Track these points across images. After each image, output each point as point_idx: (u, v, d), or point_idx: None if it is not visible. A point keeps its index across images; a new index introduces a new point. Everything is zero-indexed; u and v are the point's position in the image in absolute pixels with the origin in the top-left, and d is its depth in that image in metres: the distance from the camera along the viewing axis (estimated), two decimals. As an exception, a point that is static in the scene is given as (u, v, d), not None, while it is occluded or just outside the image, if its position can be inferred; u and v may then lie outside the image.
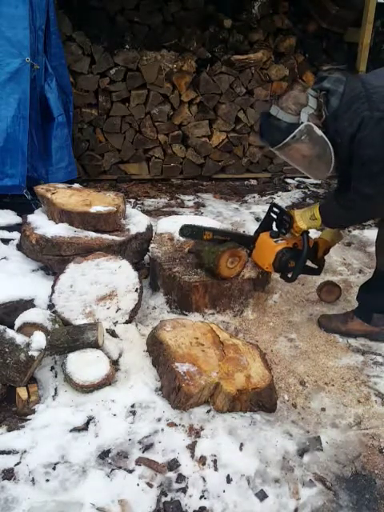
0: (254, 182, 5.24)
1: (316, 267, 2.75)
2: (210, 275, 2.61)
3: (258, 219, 4.09)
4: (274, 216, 2.61)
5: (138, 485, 1.67)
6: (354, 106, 2.04)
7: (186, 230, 2.58)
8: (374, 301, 2.52)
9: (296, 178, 5.27)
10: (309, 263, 2.67)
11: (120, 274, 2.45)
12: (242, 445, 1.85)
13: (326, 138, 2.12)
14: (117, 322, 2.41)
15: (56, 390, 2.03)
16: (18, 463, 1.72)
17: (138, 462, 1.75)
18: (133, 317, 2.47)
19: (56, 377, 2.09)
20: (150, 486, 1.67)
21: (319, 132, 2.11)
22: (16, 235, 2.94)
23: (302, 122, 2.09)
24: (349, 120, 2.05)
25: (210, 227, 2.67)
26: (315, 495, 1.71)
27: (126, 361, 2.21)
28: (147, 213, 3.77)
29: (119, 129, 4.75)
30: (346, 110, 2.07)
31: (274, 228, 2.62)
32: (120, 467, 1.73)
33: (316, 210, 2.39)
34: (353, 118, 2.03)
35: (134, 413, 1.95)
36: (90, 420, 1.90)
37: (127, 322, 2.44)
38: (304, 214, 2.45)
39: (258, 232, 2.68)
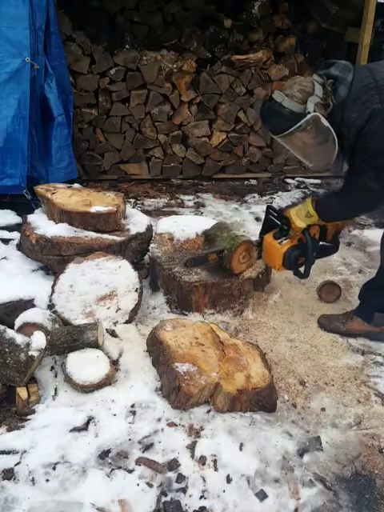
0: (254, 181, 5.24)
1: (331, 245, 2.68)
2: (217, 261, 2.60)
3: (257, 219, 4.09)
4: (273, 218, 2.60)
5: (137, 485, 1.67)
6: (363, 97, 1.99)
7: (190, 262, 2.58)
8: (377, 300, 2.51)
9: (296, 178, 5.27)
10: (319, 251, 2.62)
11: (120, 274, 2.45)
12: (241, 445, 1.85)
13: (332, 129, 2.06)
14: (117, 321, 2.41)
15: (56, 390, 2.04)
16: (18, 463, 1.72)
17: (138, 461, 1.75)
18: (133, 317, 2.48)
19: (56, 377, 2.09)
20: (150, 485, 1.67)
21: (326, 123, 2.05)
22: (16, 235, 2.94)
23: (308, 112, 2.02)
24: (358, 111, 2.01)
25: (212, 250, 2.66)
26: (315, 495, 1.71)
27: (125, 361, 2.21)
28: (147, 213, 3.77)
29: (119, 129, 4.75)
30: (354, 100, 2.01)
31: (277, 228, 2.61)
32: (120, 467, 1.73)
33: (309, 206, 2.35)
34: (362, 110, 1.99)
35: (133, 413, 1.95)
36: (89, 420, 1.90)
37: (127, 322, 2.44)
38: (299, 212, 2.41)
39: (261, 235, 2.67)
